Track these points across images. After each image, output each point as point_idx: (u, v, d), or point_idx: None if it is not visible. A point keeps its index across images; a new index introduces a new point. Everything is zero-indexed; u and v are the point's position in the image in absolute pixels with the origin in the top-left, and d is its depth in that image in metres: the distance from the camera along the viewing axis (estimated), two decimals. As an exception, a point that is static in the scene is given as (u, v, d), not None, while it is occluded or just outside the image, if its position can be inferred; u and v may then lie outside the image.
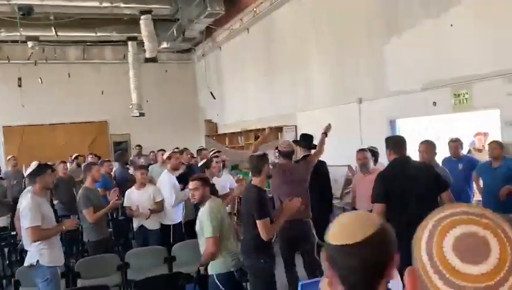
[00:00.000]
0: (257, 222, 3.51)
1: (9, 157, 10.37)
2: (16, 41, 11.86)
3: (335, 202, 6.53)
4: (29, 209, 3.82)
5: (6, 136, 12.99)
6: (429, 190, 3.61)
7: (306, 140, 5.19)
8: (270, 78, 10.06)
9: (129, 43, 12.09)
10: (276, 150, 5.23)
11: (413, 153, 7.76)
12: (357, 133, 7.13)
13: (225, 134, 12.64)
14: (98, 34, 11.85)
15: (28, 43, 11.29)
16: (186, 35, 12.14)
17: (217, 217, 3.56)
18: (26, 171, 4.22)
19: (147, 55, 10.41)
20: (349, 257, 1.08)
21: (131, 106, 12.23)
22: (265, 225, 3.51)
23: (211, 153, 7.26)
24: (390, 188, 3.66)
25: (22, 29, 10.90)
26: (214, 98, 12.27)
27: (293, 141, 5.82)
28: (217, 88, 13.18)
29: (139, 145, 12.58)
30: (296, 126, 9.04)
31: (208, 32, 12.27)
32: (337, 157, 7.41)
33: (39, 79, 12.01)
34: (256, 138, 10.19)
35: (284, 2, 8.91)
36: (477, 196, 5.64)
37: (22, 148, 12.81)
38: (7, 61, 12.63)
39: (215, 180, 5.51)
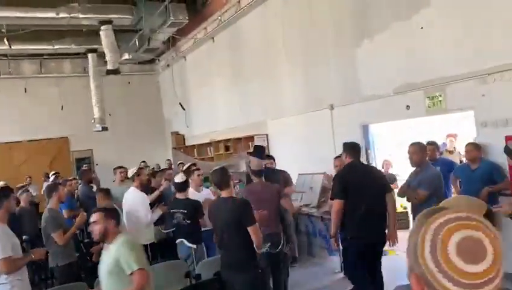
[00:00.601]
0: (250, 228, 3.52)
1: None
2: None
3: (313, 210, 6.36)
4: None
5: (-42, 157, 12.14)
6: (379, 188, 4.24)
7: (258, 152, 5.15)
8: (238, 87, 9.86)
9: (89, 55, 11.60)
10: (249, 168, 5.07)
11: (382, 157, 7.83)
12: (330, 139, 7.02)
13: (193, 146, 12.31)
14: (56, 46, 11.31)
15: (-22, 57, 10.62)
16: (147, 46, 11.82)
17: (140, 249, 3.10)
18: None
19: (109, 66, 9.98)
20: None
21: (93, 121, 11.70)
22: (257, 230, 3.57)
23: (187, 167, 6.96)
24: (347, 187, 4.16)
25: (-29, 43, 10.30)
26: (184, 109, 11.95)
27: (247, 153, 6.30)
28: (183, 99, 12.87)
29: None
30: (267, 135, 8.86)
31: (172, 42, 11.99)
32: (311, 165, 7.28)
33: None
34: (226, 148, 9.96)
35: (250, 9, 8.76)
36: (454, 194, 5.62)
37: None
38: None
39: (195, 195, 5.21)
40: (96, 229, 3.06)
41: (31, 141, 12.97)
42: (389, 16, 5.85)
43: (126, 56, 13.14)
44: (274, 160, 6.70)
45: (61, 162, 13.13)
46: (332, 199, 4.28)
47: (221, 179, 3.70)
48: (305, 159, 7.72)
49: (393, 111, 5.88)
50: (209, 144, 11.16)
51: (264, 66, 8.81)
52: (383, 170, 7.35)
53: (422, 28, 5.33)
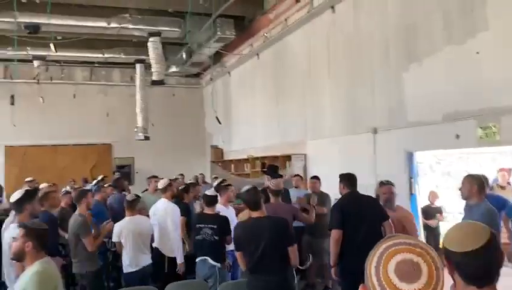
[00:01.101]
0: (290, 248, 3.51)
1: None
2: (23, 60, 11.71)
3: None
4: None
5: (7, 156, 12.68)
6: (376, 217, 4.26)
7: (272, 170, 5.93)
8: (279, 105, 9.72)
9: (137, 65, 11.88)
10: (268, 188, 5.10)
11: (427, 187, 7.38)
12: (371, 165, 6.68)
13: (231, 161, 12.24)
14: (106, 55, 11.68)
15: (34, 62, 11.12)
16: (194, 60, 11.98)
17: (49, 287, 2.67)
18: (12, 198, 3.81)
19: (154, 77, 10.14)
20: (475, 259, 1.31)
21: (136, 129, 11.91)
22: (296, 250, 3.58)
23: (219, 181, 6.86)
24: (345, 217, 4.27)
25: (29, 48, 10.81)
26: (220, 123, 11.93)
27: (261, 171, 7.04)
28: (225, 114, 12.88)
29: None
30: (305, 155, 8.61)
31: (218, 56, 12.07)
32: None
33: (40, 98, 11.74)
34: (263, 165, 9.78)
35: (296, 27, 8.66)
36: (504, 238, 5.15)
37: (23, 169, 12.49)
38: (10, 80, 12.45)
39: (222, 211, 5.07)
40: (13, 247, 2.78)
41: (76, 145, 13.36)
42: (440, 39, 5.52)
43: (173, 68, 13.44)
44: (319, 180, 6.58)
45: (102, 168, 13.40)
46: (330, 229, 4.36)
47: (254, 198, 3.59)
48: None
49: (441, 139, 5.49)
50: (246, 160, 11.04)
51: (306, 84, 8.63)
52: (428, 202, 6.92)
53: (478, 53, 4.97)
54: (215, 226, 4.60)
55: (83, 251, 4.59)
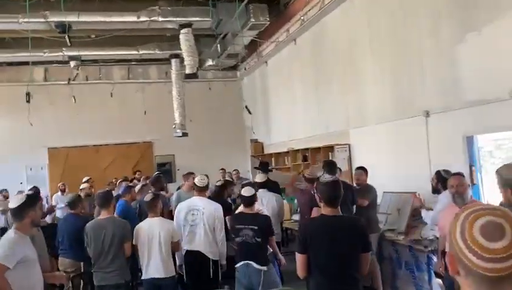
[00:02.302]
0: (364, 255, 2.95)
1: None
2: (59, 62, 11.76)
3: (399, 237, 5.33)
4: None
5: (51, 158, 12.84)
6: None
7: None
8: (319, 93, 9.06)
9: (172, 60, 11.58)
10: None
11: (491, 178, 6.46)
12: (424, 153, 5.92)
13: (271, 154, 11.71)
14: (140, 51, 11.46)
15: (70, 63, 11.09)
16: (230, 51, 11.49)
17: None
18: (11, 204, 3.38)
19: (187, 71, 9.75)
20: None
21: (174, 126, 11.64)
22: (369, 259, 3.06)
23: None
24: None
25: (64, 49, 10.77)
26: (250, 113, 11.39)
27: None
28: (263, 105, 12.37)
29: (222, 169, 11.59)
30: (349, 145, 7.92)
31: (253, 46, 11.55)
32: (399, 182, 6.24)
33: (72, 98, 11.71)
34: (304, 158, 9.18)
35: (334, 5, 7.95)
36: None
37: (66, 170, 12.62)
38: (49, 82, 12.58)
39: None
40: None
41: (117, 144, 13.33)
42: (503, 3, 4.69)
43: (209, 62, 13.06)
44: (366, 172, 5.83)
45: (144, 166, 13.30)
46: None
47: (334, 193, 2.91)
48: (392, 175, 6.67)
49: (508, 119, 4.67)
50: (286, 153, 10.46)
51: (347, 68, 7.93)
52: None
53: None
54: (256, 227, 4.13)
55: (123, 257, 4.24)
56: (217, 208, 4.81)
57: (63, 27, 8.68)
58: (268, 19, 9.40)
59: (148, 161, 13.64)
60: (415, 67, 6.16)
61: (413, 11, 6.13)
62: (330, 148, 8.13)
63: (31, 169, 12.68)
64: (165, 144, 13.38)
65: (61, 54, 10.76)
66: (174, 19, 9.25)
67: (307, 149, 9.19)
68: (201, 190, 4.96)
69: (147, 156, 13.69)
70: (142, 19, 9.02)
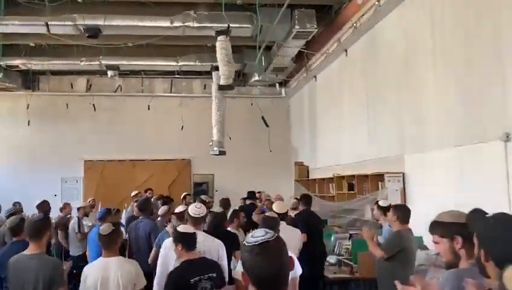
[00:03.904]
0: None
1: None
2: (102, 73, 11.40)
3: None
4: None
5: (87, 170, 12.43)
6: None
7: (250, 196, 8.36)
8: (370, 111, 7.72)
9: (213, 73, 10.79)
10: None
11: None
12: (503, 184, 4.44)
13: (315, 180, 10.41)
14: (180, 62, 10.80)
15: (108, 72, 10.64)
16: (275, 64, 10.49)
17: None
18: (29, 225, 3.31)
19: (222, 82, 8.84)
20: None
21: (211, 143, 10.75)
22: None
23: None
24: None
25: (101, 57, 10.34)
26: (267, 126, 10.19)
27: (295, 198, 7.83)
28: (310, 124, 11.17)
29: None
30: (403, 174, 6.49)
31: (302, 59, 10.47)
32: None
33: (92, 105, 11.23)
34: (350, 186, 7.84)
35: (392, 6, 6.68)
36: None
37: (101, 184, 12.13)
38: (87, 93, 12.25)
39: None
40: None
41: (154, 160, 12.69)
42: None
43: (256, 77, 12.15)
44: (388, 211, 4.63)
45: (181, 184, 12.53)
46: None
47: (270, 270, 1.80)
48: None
49: None
50: (330, 179, 9.12)
51: (404, 81, 6.57)
52: None
53: None
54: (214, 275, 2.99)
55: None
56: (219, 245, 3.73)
57: (93, 31, 8.14)
58: (315, 26, 8.28)
59: (186, 180, 12.83)
60: (491, 78, 4.73)
61: (491, 5, 4.74)
62: (380, 176, 6.74)
63: (66, 181, 12.31)
64: (204, 162, 12.53)
65: (98, 62, 10.33)
66: (211, 25, 8.43)
67: (353, 176, 7.82)
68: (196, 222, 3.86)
69: (185, 174, 12.89)
70: (176, 24, 8.29)
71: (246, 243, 1.51)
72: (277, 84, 11.37)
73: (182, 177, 12.77)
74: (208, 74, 11.40)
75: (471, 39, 5.06)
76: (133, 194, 8.94)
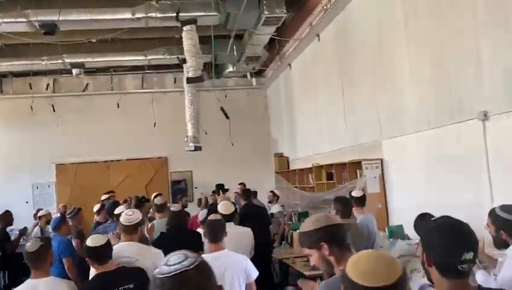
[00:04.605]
0: None
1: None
2: (68, 72, 10.87)
3: None
4: None
5: (59, 175, 11.91)
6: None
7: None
8: (345, 97, 7.42)
9: (184, 66, 10.35)
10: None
11: None
12: (481, 168, 4.18)
13: (294, 171, 10.11)
14: (148, 56, 10.35)
15: (73, 70, 10.13)
16: (248, 53, 10.13)
17: None
18: (29, 248, 2.92)
19: (190, 73, 8.45)
20: None
21: (186, 139, 10.35)
22: None
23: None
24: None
25: (64, 55, 9.84)
26: (227, 118, 9.86)
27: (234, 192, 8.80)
28: (288, 115, 10.86)
29: None
30: (381, 160, 6.21)
31: (275, 47, 10.11)
32: (447, 209, 4.52)
33: (51, 106, 10.69)
34: (329, 176, 7.55)
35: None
36: None
37: (75, 187, 11.66)
38: (55, 94, 11.72)
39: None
40: None
41: (129, 159, 12.25)
42: None
43: (230, 68, 11.78)
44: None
45: (158, 184, 12.13)
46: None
47: None
48: (436, 200, 4.94)
49: None
50: (309, 169, 8.83)
51: (377, 64, 6.27)
52: None
53: None
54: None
55: None
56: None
57: (50, 27, 7.66)
58: (285, 11, 7.94)
59: (163, 178, 12.43)
60: (466, 55, 4.45)
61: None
62: (358, 164, 6.46)
63: (37, 187, 11.80)
64: (181, 159, 12.12)
65: (61, 61, 9.82)
66: (174, 15, 8.00)
67: (331, 165, 7.53)
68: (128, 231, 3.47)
69: (162, 172, 12.48)
70: (138, 15, 7.86)
71: (156, 275, 1.16)
72: (248, 74, 10.94)
73: (159, 176, 12.36)
74: (179, 67, 11.00)
75: (446, 19, 4.77)
76: (103, 198, 8.47)
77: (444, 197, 4.84)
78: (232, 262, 2.91)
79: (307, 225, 1.99)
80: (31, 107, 10.94)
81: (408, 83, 5.55)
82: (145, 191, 11.46)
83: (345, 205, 4.21)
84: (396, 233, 5.10)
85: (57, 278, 2.92)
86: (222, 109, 9.00)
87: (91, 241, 2.95)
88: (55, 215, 10.52)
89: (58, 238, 4.73)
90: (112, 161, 12.14)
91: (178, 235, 3.65)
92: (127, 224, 3.33)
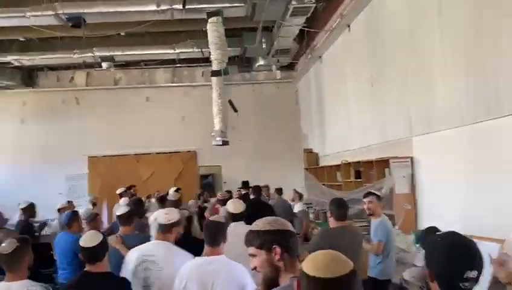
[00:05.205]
0: None
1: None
2: (95, 66, 11.00)
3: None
4: None
5: (91, 167, 12.11)
6: None
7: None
8: (374, 91, 7.00)
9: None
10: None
11: None
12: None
13: (323, 168, 9.76)
14: (177, 50, 10.27)
15: (103, 64, 10.20)
16: (276, 46, 9.84)
17: None
18: None
19: (214, 67, 8.28)
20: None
21: (213, 133, 10.22)
22: None
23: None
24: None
25: (95, 49, 9.92)
26: (235, 111, 9.38)
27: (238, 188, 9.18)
28: (318, 109, 10.50)
29: None
30: (411, 158, 5.79)
31: (307, 39, 9.78)
32: (485, 215, 4.12)
33: (75, 99, 10.74)
34: (357, 173, 7.18)
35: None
36: None
37: (106, 180, 11.81)
38: (89, 87, 11.87)
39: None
40: None
41: (159, 153, 12.28)
42: None
43: (260, 62, 11.55)
44: (377, 198, 4.43)
45: (187, 177, 12.11)
46: None
47: None
48: (471, 202, 4.51)
49: None
50: (337, 166, 8.46)
51: (408, 56, 5.84)
52: None
53: None
54: None
55: None
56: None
57: (77, 20, 7.70)
58: (313, 0, 7.60)
59: (192, 172, 12.38)
60: (505, 48, 3.99)
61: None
62: (386, 162, 6.06)
63: (70, 179, 12.04)
64: (210, 153, 12.01)
65: (91, 54, 9.91)
66: (200, 6, 7.86)
67: (359, 163, 7.15)
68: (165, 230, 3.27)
69: (191, 166, 12.43)
70: (163, 7, 7.77)
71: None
72: (273, 67, 10.63)
73: (188, 170, 12.33)
74: (209, 60, 10.86)
75: (481, 7, 4.31)
76: (119, 191, 8.45)
77: (480, 199, 4.41)
78: (227, 271, 2.67)
79: (261, 224, 1.89)
80: (63, 100, 11.17)
81: (441, 75, 5.10)
82: (174, 185, 11.45)
83: (339, 206, 3.94)
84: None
85: (33, 282, 2.78)
86: (230, 101, 8.68)
87: (84, 240, 2.83)
88: (86, 206, 10.72)
89: (70, 236, 4.60)
90: (141, 154, 12.21)
91: (183, 245, 3.44)
92: (162, 223, 3.17)
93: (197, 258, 2.88)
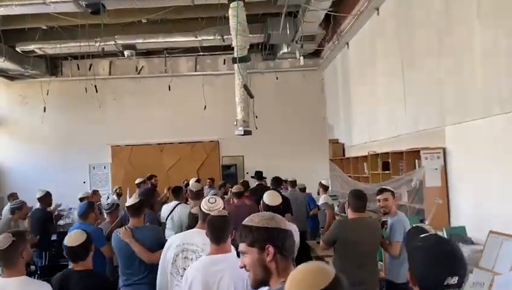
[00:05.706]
0: None
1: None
2: (118, 55, 10.91)
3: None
4: None
5: (114, 156, 12.11)
6: None
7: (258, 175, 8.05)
8: (405, 78, 6.60)
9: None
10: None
11: None
12: None
13: (349, 159, 9.40)
14: (199, 37, 10.05)
15: (125, 52, 10.10)
16: (301, 32, 9.48)
17: None
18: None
19: (235, 53, 8.00)
20: None
21: (235, 123, 10.00)
22: None
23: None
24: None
25: (116, 36, 9.81)
26: (251, 97, 8.91)
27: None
28: (344, 97, 10.11)
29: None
30: (444, 149, 5.40)
31: (333, 25, 9.37)
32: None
33: (94, 87, 10.60)
34: (385, 165, 6.83)
35: None
36: None
37: (129, 169, 11.79)
38: (108, 76, 11.82)
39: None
40: None
41: (182, 143, 12.17)
42: None
43: (284, 49, 11.22)
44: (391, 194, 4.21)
45: (209, 167, 11.97)
46: None
47: None
48: (511, 199, 4.13)
49: None
50: (364, 157, 8.09)
51: (443, 40, 5.41)
52: None
53: None
54: None
55: None
56: None
57: (95, 6, 7.56)
58: (339, -18, 7.23)
59: (215, 162, 12.23)
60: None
61: None
62: (417, 153, 5.68)
63: (94, 168, 12.09)
64: (233, 144, 11.84)
65: (113, 42, 9.81)
66: (220, -10, 7.58)
67: (387, 154, 6.78)
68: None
69: (213, 156, 12.28)
70: (183, -7, 7.53)
71: None
72: (297, 53, 10.26)
73: (211, 160, 12.18)
74: (231, 49, 10.62)
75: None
76: (137, 181, 8.33)
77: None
78: (234, 269, 2.45)
79: (256, 220, 1.69)
80: (86, 89, 11.13)
81: (478, 59, 4.68)
82: (196, 175, 11.34)
83: (357, 198, 3.78)
84: (457, 236, 4.35)
85: (31, 279, 2.63)
86: (245, 86, 8.32)
87: (68, 239, 2.72)
88: (111, 196, 10.68)
89: (84, 226, 4.46)
90: (164, 143, 12.13)
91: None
92: (205, 212, 3.05)
93: (204, 257, 2.66)
